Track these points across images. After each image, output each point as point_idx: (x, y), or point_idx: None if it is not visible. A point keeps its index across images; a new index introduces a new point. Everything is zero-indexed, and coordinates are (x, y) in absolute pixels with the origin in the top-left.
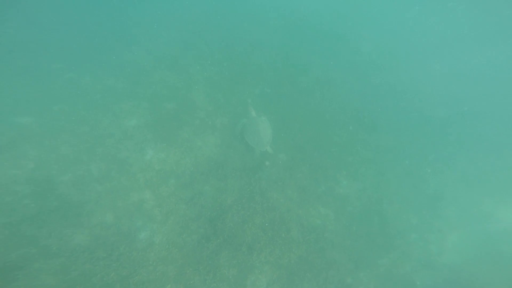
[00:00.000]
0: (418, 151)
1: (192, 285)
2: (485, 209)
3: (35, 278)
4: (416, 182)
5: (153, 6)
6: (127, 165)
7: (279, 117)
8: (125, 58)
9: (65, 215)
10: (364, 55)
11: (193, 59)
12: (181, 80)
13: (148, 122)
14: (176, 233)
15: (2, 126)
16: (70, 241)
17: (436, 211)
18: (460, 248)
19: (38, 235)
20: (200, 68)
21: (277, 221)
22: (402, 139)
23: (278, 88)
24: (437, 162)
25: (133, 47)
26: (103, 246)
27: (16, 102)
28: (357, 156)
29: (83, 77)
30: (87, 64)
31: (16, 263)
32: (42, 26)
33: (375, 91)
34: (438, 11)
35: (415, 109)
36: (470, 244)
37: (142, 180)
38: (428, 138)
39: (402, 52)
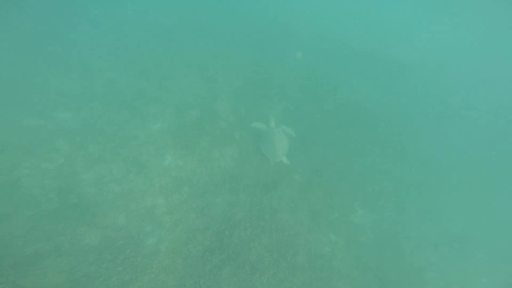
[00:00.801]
0: (445, 188)
1: None
2: None
3: (44, 275)
4: (439, 221)
5: (191, 13)
6: (145, 168)
7: (299, 137)
8: (160, 62)
9: (82, 213)
10: (396, 80)
11: (222, 69)
12: (208, 89)
13: (171, 128)
14: (182, 242)
15: (44, 119)
16: (82, 240)
17: (461, 251)
18: None
19: (55, 231)
20: (227, 78)
21: (284, 243)
22: (429, 174)
23: (302, 107)
24: (468, 201)
25: (169, 52)
26: (111, 248)
27: (61, 96)
28: (377, 187)
29: (121, 77)
30: (128, 65)
31: (30, 258)
32: (94, 24)
33: (407, 121)
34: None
35: (448, 142)
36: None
37: (157, 185)
38: (459, 174)
39: (442, 79)
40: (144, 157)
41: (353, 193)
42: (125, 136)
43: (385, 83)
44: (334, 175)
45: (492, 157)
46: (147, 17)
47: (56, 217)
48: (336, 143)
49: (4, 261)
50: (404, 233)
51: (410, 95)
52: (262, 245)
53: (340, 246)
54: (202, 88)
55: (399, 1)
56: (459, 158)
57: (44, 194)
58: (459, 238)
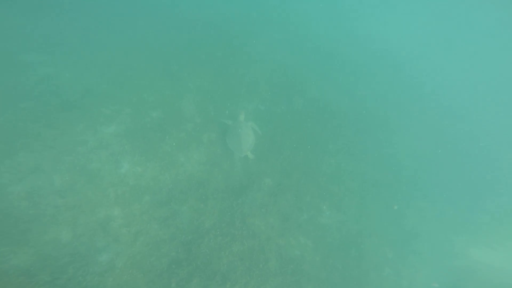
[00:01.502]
0: (402, 188)
1: None
2: (456, 247)
3: None
4: (396, 218)
5: (152, 3)
6: (97, 177)
7: (269, 138)
8: (113, 55)
9: (7, 231)
10: (362, 81)
11: (187, 66)
12: (171, 87)
13: (129, 131)
14: (143, 255)
15: None
16: (5, 262)
17: (411, 246)
18: (429, 283)
19: None
20: (193, 75)
21: (256, 250)
22: (388, 175)
23: (272, 107)
24: (419, 199)
25: (124, 43)
26: (49, 268)
27: None
28: (342, 187)
29: (62, 73)
30: (69, 58)
31: None
32: (15, 4)
33: (369, 122)
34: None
35: (406, 145)
36: (439, 279)
37: (112, 196)
38: (413, 174)
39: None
40: (95, 165)
41: (321, 194)
42: (70, 141)
43: (351, 83)
44: (303, 176)
45: (442, 155)
46: (95, 0)
47: None
48: (305, 144)
49: None
50: (366, 231)
51: (375, 94)
52: (234, 253)
53: (309, 249)
54: (164, 86)
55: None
56: (415, 156)
57: None
58: (410, 234)
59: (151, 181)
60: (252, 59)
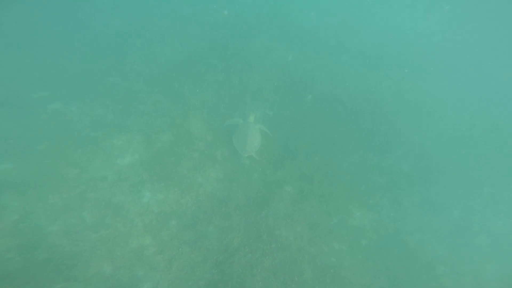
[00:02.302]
0: (436, 176)
1: None
2: None
3: None
4: (437, 210)
5: (143, 21)
6: (123, 210)
7: (282, 145)
8: (112, 83)
9: (57, 268)
10: (372, 67)
11: (188, 82)
12: (176, 106)
13: (143, 159)
14: (181, 280)
15: None
16: None
17: (463, 239)
18: (499, 277)
19: None
20: (196, 91)
21: (288, 262)
22: (418, 164)
23: (280, 110)
24: (459, 186)
25: (124, 68)
26: None
27: None
28: (369, 184)
29: (68, 107)
30: (73, 91)
31: None
32: (17, 44)
33: (387, 109)
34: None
35: (432, 128)
36: (508, 273)
37: (140, 225)
38: (447, 160)
39: (416, 63)
40: (119, 198)
41: (347, 194)
42: (91, 178)
43: (361, 73)
44: (324, 178)
45: (476, 141)
46: (91, 23)
47: (22, 276)
48: (321, 145)
49: None
50: (406, 229)
51: (389, 85)
52: (266, 269)
53: (345, 254)
54: (169, 107)
55: None
56: (444, 144)
57: None
58: (458, 226)
59: (174, 206)
60: (252, 63)
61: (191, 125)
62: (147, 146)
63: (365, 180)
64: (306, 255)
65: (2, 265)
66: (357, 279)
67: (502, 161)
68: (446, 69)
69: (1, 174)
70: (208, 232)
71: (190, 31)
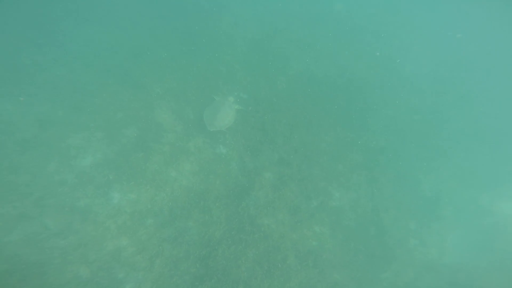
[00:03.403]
0: (409, 150)
1: None
2: (482, 205)
3: None
4: (411, 185)
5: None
6: (91, 214)
7: (259, 129)
8: (54, 75)
9: (24, 278)
10: (346, 43)
11: (149, 69)
12: (137, 97)
13: (108, 158)
14: (165, 277)
15: None
16: None
17: (433, 212)
18: (459, 248)
19: None
20: (159, 79)
21: (271, 251)
22: (392, 138)
23: (255, 92)
24: (431, 160)
25: (66, 58)
26: None
27: None
28: (347, 163)
29: (5, 106)
30: (8, 86)
31: None
32: None
33: (361, 86)
34: None
35: (406, 100)
36: (468, 242)
37: (113, 227)
38: (419, 134)
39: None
40: (84, 202)
41: (325, 176)
42: (48, 184)
43: (334, 48)
44: (303, 161)
45: (451, 117)
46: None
47: None
48: (298, 126)
49: None
50: (382, 206)
51: (364, 58)
52: (250, 259)
53: (326, 236)
54: (129, 98)
55: None
56: (419, 119)
57: None
58: (430, 200)
59: (149, 204)
60: (221, 43)
61: (158, 116)
62: (109, 143)
63: (342, 160)
64: (289, 242)
65: None
66: (338, 260)
67: (470, 132)
68: (421, 41)
69: None
70: (188, 227)
71: (145, 10)
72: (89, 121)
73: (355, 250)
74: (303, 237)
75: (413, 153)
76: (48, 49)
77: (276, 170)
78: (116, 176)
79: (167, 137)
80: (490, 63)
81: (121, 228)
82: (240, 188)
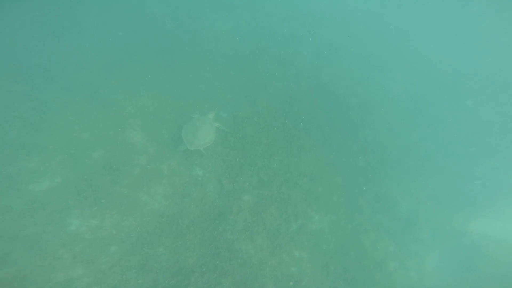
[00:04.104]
0: (387, 171)
1: None
2: (457, 225)
3: None
4: (389, 206)
5: (53, 10)
6: (39, 242)
7: (239, 149)
8: (14, 92)
9: None
10: (326, 61)
11: (121, 85)
12: (107, 116)
13: (68, 181)
14: None
15: None
16: None
17: (411, 234)
18: (439, 269)
19: None
20: (131, 96)
21: (249, 278)
22: (371, 160)
23: (235, 111)
24: (408, 181)
25: (28, 74)
26: None
27: None
28: (326, 185)
29: None
30: None
31: None
32: None
33: (341, 105)
34: None
35: (382, 124)
36: (447, 263)
37: (67, 256)
38: (397, 156)
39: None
40: (32, 230)
41: (305, 198)
42: None
43: (314, 65)
44: (283, 183)
45: (427, 137)
46: None
47: None
48: (278, 146)
49: None
50: (362, 227)
51: (344, 77)
52: None
53: (306, 261)
54: (97, 116)
55: None
56: (395, 133)
57: None
58: (408, 221)
59: (114, 230)
60: (201, 59)
61: (129, 136)
62: (71, 167)
63: (322, 181)
64: (267, 268)
65: None
66: (318, 286)
67: (443, 153)
68: (398, 61)
69: None
70: (157, 254)
71: (118, 23)
72: (48, 142)
73: (335, 275)
74: (282, 263)
75: (391, 174)
76: (6, 64)
77: (255, 192)
78: (76, 201)
79: (139, 159)
80: (464, 83)
81: (77, 256)
82: (217, 212)
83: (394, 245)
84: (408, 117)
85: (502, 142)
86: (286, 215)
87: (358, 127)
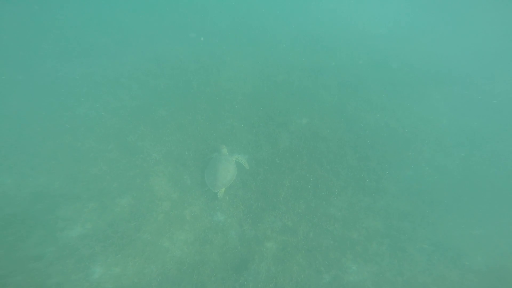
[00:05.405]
0: (441, 214)
1: None
2: None
3: None
4: (453, 257)
5: (91, 63)
6: None
7: (260, 193)
8: (59, 144)
9: None
10: (353, 93)
11: (148, 130)
12: (134, 164)
13: (98, 228)
14: None
15: None
16: None
17: None
18: None
19: None
20: (157, 142)
21: None
22: (417, 201)
23: (255, 152)
24: (475, 224)
25: (75, 123)
26: None
27: None
28: (363, 231)
29: (1, 179)
30: (6, 161)
31: None
32: None
33: (373, 143)
34: None
35: (426, 159)
36: None
37: None
38: (451, 197)
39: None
40: (56, 279)
41: (338, 245)
42: (19, 259)
43: (339, 97)
44: (310, 229)
45: (485, 176)
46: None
47: None
48: (303, 189)
49: None
50: (416, 281)
51: (373, 111)
52: None
53: None
54: (126, 165)
55: None
56: (447, 181)
57: None
58: (484, 275)
59: (135, 278)
60: (221, 99)
61: (153, 184)
62: (101, 214)
63: (357, 227)
64: None
65: None
66: None
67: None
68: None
69: None
70: None
71: (150, 69)
72: (82, 191)
73: None
74: None
75: (448, 219)
76: (54, 112)
77: (279, 239)
78: (102, 248)
79: (162, 205)
80: None
81: None
82: (238, 260)
83: None
84: (460, 151)
85: None
86: (316, 264)
87: (397, 167)
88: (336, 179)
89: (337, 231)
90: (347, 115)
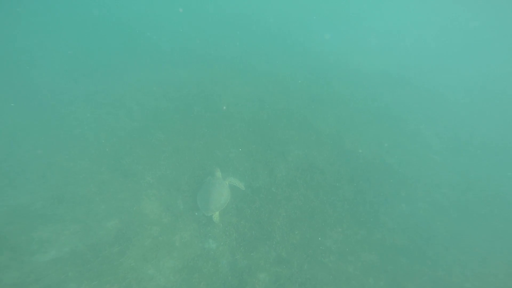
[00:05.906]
0: (438, 250)
1: None
2: None
3: None
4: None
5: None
6: None
7: (255, 222)
8: (48, 164)
9: None
10: (351, 124)
11: (144, 153)
12: (126, 187)
13: (76, 252)
14: None
15: None
16: None
17: None
18: None
19: None
20: (151, 166)
21: None
22: (414, 236)
23: (252, 180)
24: (470, 263)
25: (68, 144)
26: None
27: None
28: (359, 264)
29: None
30: None
31: None
32: None
33: (370, 177)
34: None
35: (422, 196)
36: None
37: None
38: (449, 234)
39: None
40: None
41: (333, 279)
42: None
43: (338, 130)
44: (305, 261)
45: (483, 214)
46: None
47: None
48: (299, 219)
49: None
50: None
51: (371, 144)
52: None
53: None
54: (117, 188)
55: None
56: (443, 217)
57: None
58: None
59: None
60: (220, 124)
61: (145, 207)
62: (83, 236)
63: (353, 260)
64: None
65: None
66: None
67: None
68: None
69: None
70: None
71: (153, 92)
72: (66, 213)
73: None
74: None
75: (447, 256)
76: (48, 132)
77: (272, 270)
78: (77, 273)
79: (151, 229)
80: None
81: None
82: None
83: None
84: (457, 192)
85: None
86: None
87: (393, 201)
88: (331, 210)
89: (332, 263)
90: (345, 149)
